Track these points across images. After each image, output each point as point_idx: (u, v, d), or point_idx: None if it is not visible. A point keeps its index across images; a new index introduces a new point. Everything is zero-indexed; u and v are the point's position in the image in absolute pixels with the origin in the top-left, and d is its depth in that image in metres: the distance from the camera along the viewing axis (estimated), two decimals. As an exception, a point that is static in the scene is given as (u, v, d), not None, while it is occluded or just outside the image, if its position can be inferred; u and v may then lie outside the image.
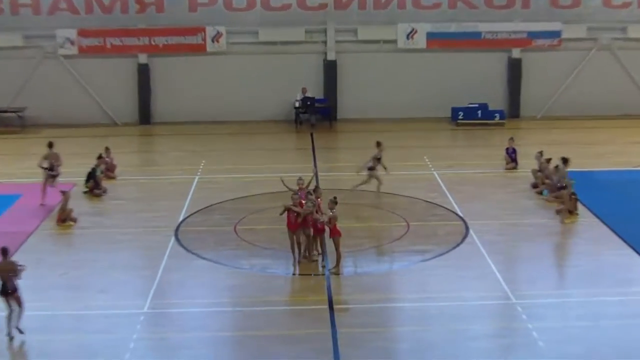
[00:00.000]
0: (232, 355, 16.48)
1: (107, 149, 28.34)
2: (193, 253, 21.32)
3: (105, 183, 26.84)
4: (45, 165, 25.62)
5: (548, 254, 21.35)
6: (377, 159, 25.89)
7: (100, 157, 27.42)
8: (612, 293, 18.62)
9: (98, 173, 26.62)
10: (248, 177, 28.10)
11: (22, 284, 17.24)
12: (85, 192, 26.28)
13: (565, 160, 25.06)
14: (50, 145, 26.10)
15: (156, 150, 34.51)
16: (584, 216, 23.68)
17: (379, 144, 26.20)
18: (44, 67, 36.45)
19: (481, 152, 31.77)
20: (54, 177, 25.65)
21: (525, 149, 29.35)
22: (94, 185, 26.33)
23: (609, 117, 36.51)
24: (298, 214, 20.09)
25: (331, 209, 19.80)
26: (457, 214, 24.09)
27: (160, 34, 36.34)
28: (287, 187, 21.20)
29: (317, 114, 36.40)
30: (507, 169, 28.62)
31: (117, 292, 18.92)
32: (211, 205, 25.15)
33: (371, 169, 25.87)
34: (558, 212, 23.81)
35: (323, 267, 20.22)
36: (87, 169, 26.79)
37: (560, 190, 24.25)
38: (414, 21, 36.53)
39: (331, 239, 20.02)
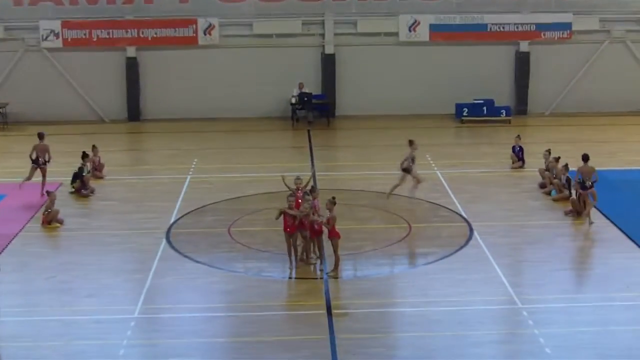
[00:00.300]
0: (226, 362, 16.73)
1: (94, 147, 28.52)
2: (185, 256, 21.54)
3: (92, 183, 27.09)
4: (33, 157, 26.00)
5: (555, 257, 21.46)
6: (412, 159, 25.39)
7: (85, 155, 27.50)
8: (623, 298, 18.81)
9: (85, 173, 26.86)
10: (242, 176, 28.32)
11: (7, 288, 17.53)
12: (71, 193, 26.51)
13: (586, 158, 24.12)
14: (40, 136, 26.41)
15: (146, 148, 34.71)
16: (594, 218, 23.82)
17: (411, 143, 25.61)
18: (27, 61, 36.63)
19: (486, 150, 32.02)
20: (42, 170, 25.97)
21: (532, 147, 29.64)
22: (80, 185, 26.55)
23: (621, 114, 36.70)
24: (295, 216, 20.34)
25: (330, 209, 19.95)
26: (460, 215, 24.35)
27: (149, 26, 36.52)
28: (287, 186, 21.36)
29: (315, 111, 36.57)
30: (513, 168, 28.85)
31: (107, 297, 19.13)
32: (204, 206, 25.38)
33: (405, 170, 25.37)
34: (566, 213, 24.15)
35: (321, 270, 20.48)
36: (74, 168, 27.05)
37: (587, 190, 23.73)
38: (417, 12, 36.71)
39: (329, 241, 20.25)
